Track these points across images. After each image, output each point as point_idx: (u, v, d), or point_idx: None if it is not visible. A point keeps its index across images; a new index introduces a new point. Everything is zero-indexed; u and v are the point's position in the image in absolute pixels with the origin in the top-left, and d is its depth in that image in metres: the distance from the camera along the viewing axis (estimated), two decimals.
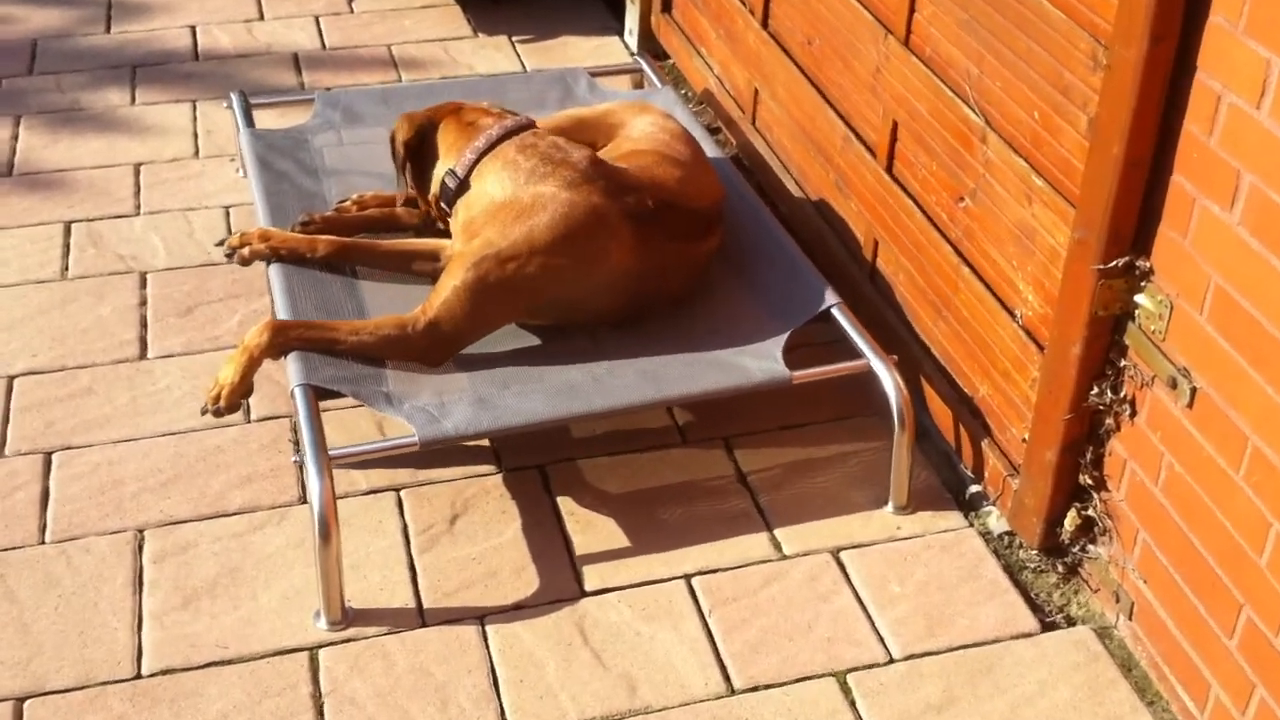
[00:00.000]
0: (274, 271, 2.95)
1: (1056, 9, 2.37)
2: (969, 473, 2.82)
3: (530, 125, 2.93)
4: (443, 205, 2.94)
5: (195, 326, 3.25)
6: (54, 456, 2.87)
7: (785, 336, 2.82)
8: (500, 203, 2.78)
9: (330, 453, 2.50)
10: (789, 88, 3.48)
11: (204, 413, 2.70)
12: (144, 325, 3.25)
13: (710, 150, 3.39)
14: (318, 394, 2.63)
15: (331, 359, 2.69)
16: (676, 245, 2.87)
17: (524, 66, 4.47)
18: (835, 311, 2.89)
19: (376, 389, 2.67)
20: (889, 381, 2.72)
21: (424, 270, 2.99)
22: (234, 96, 3.65)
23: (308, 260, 2.97)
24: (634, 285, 2.82)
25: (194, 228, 3.61)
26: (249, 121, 3.55)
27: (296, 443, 2.87)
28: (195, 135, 4.03)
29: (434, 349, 2.73)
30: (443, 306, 2.72)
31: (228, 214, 3.67)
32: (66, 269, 3.44)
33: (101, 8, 4.76)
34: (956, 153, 2.71)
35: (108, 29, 4.62)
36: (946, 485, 2.86)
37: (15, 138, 4.00)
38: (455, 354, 2.76)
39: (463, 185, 2.87)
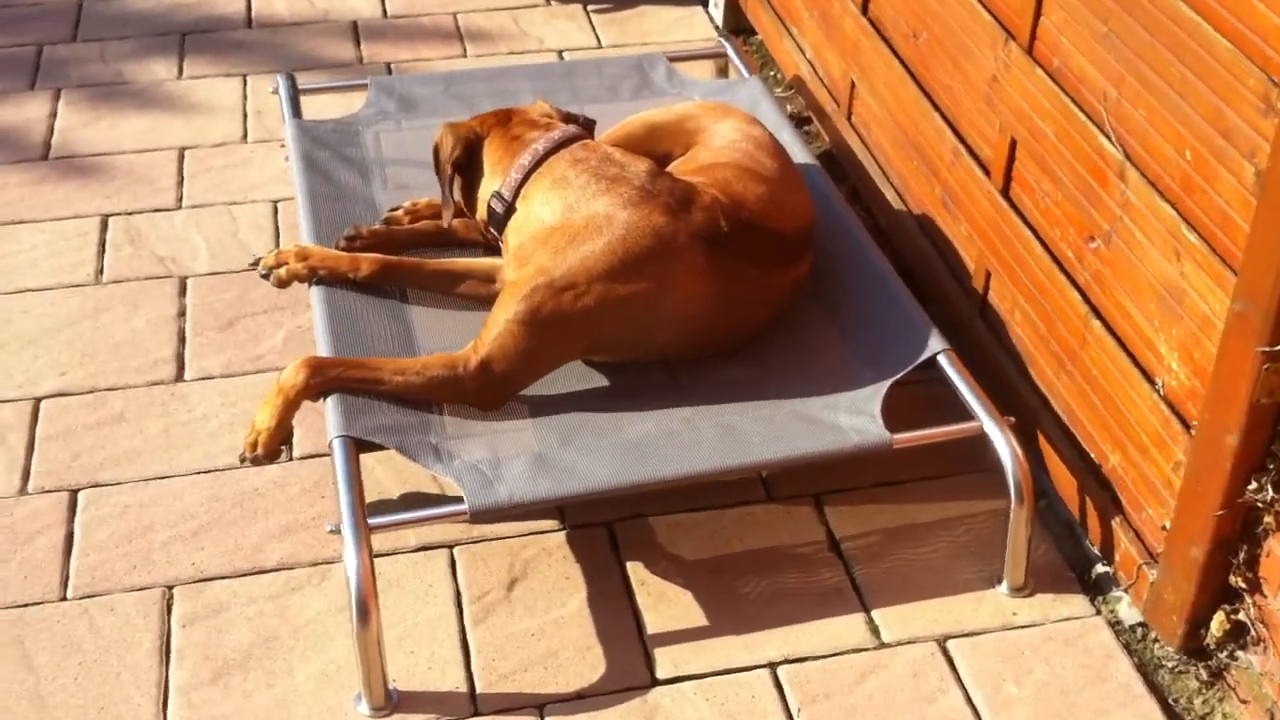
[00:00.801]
0: (315, 295, 2.68)
1: (1221, 36, 2.01)
2: (1095, 550, 2.50)
3: (582, 135, 2.64)
4: (491, 230, 2.66)
5: (236, 343, 2.99)
6: (80, 496, 2.63)
7: (884, 389, 2.50)
8: (551, 226, 2.49)
9: (371, 522, 2.23)
10: (890, 85, 3.13)
11: (242, 461, 2.45)
12: (181, 340, 3.00)
13: (798, 150, 3.06)
14: (359, 446, 2.36)
15: (375, 402, 2.42)
16: (757, 272, 2.55)
17: (598, 39, 4.14)
18: (942, 360, 2.56)
19: (424, 440, 2.40)
20: (1005, 449, 2.40)
21: (477, 293, 2.71)
22: (281, 81, 3.35)
23: (350, 280, 2.69)
24: (707, 317, 2.52)
25: (239, 225, 3.34)
26: (295, 110, 3.26)
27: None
28: (244, 115, 3.75)
29: (487, 391, 2.45)
30: (495, 343, 2.43)
31: (275, 210, 3.39)
32: (101, 271, 3.18)
33: None
34: (1088, 186, 2.37)
35: None
36: (1069, 561, 2.54)
37: (54, 115, 3.73)
38: (512, 396, 2.48)
39: (510, 208, 2.59)
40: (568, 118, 2.73)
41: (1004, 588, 2.48)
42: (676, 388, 2.56)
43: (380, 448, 2.38)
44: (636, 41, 4.14)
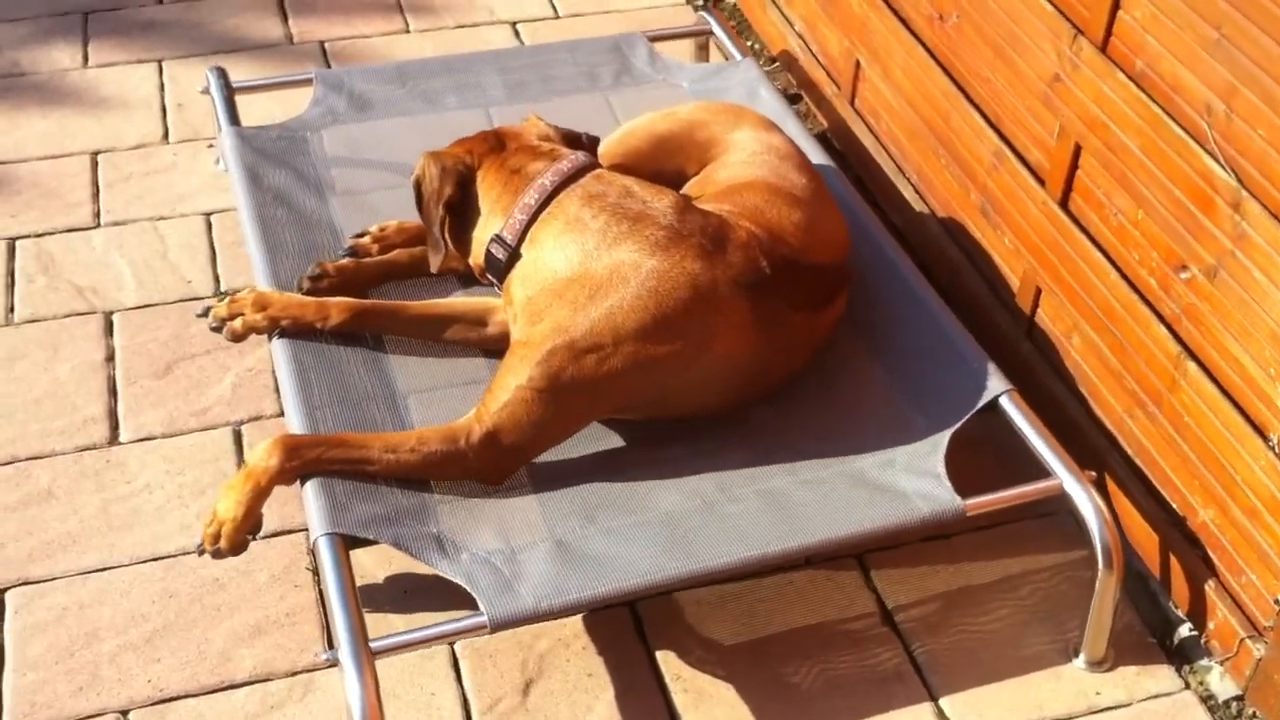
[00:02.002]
0: (278, 349, 2.29)
1: None
2: (1178, 612, 2.23)
3: (593, 164, 2.24)
4: (489, 277, 2.28)
5: (177, 393, 2.59)
6: (8, 597, 2.23)
7: (945, 441, 2.19)
8: (567, 278, 2.12)
9: (374, 645, 1.88)
10: (910, 72, 2.78)
11: (200, 553, 2.07)
12: (113, 392, 2.59)
13: (807, 146, 2.71)
14: (347, 543, 2.00)
15: (360, 485, 2.06)
16: (800, 316, 2.22)
17: (554, 8, 3.73)
18: (1006, 403, 2.25)
19: (423, 530, 2.04)
20: (1091, 511, 2.10)
21: (465, 338, 2.34)
22: (211, 79, 2.91)
23: (319, 331, 2.30)
24: (748, 372, 2.18)
25: (168, 245, 2.92)
26: (232, 115, 2.83)
27: (327, 630, 2.24)
28: (163, 110, 3.31)
29: (493, 466, 2.10)
30: (504, 413, 2.07)
31: (209, 225, 2.97)
32: (12, 309, 2.75)
33: None
34: (1185, 211, 2.05)
35: None
36: (1146, 623, 2.26)
37: None
38: (520, 468, 2.13)
39: (514, 254, 2.20)
40: (569, 138, 2.35)
41: (1081, 661, 2.20)
42: (702, 446, 2.22)
43: (372, 542, 2.03)
44: (596, 10, 3.74)
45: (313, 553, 2.18)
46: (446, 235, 2.28)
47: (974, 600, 2.29)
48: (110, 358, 2.65)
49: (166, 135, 3.22)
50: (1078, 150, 2.29)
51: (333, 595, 1.92)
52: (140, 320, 2.73)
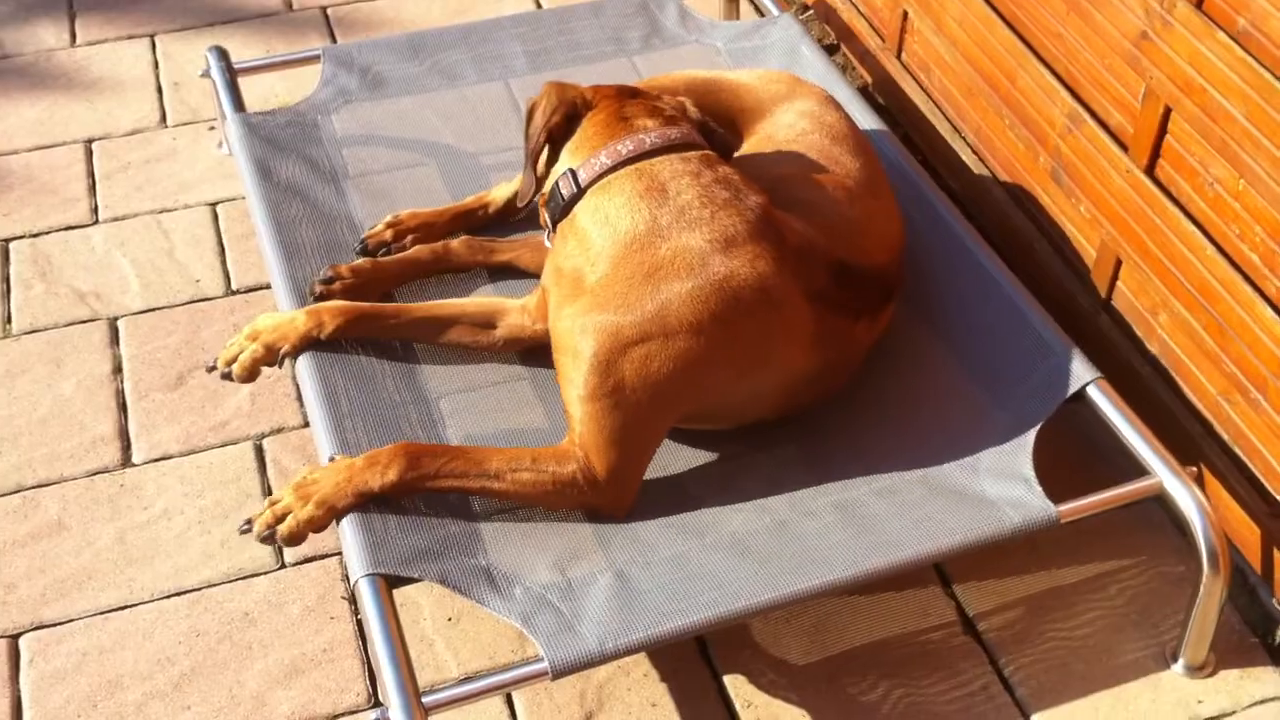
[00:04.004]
0: (300, 373, 2.10)
1: None
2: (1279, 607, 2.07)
3: (700, 145, 2.00)
4: (546, 217, 2.07)
5: (192, 405, 2.41)
6: (22, 643, 2.07)
7: (1031, 440, 2.01)
8: (626, 244, 1.90)
9: (426, 700, 1.71)
10: (967, 25, 2.57)
11: (244, 530, 1.87)
12: (122, 407, 2.41)
13: (858, 111, 2.51)
14: (390, 584, 1.83)
15: (403, 515, 1.88)
16: (860, 324, 2.03)
17: None
18: (1094, 393, 2.07)
19: (471, 563, 1.86)
20: (1194, 510, 1.92)
21: (472, 342, 2.15)
22: (211, 60, 2.70)
23: (321, 343, 2.12)
24: (803, 383, 2.00)
25: (173, 242, 2.72)
26: (236, 100, 2.62)
27: (369, 670, 2.07)
28: (159, 90, 3.10)
29: (610, 493, 1.91)
30: (585, 432, 1.88)
31: (215, 217, 2.78)
32: (9, 319, 2.56)
33: None
34: None
35: None
36: (1245, 619, 2.10)
37: None
38: (634, 490, 1.94)
39: (579, 195, 1.98)
40: (704, 127, 2.08)
41: (1180, 666, 2.03)
42: (764, 457, 2.04)
43: (413, 580, 1.86)
44: None
45: (351, 588, 2.03)
46: (537, 167, 2.05)
47: (1060, 605, 2.12)
48: (118, 369, 2.47)
49: (164, 118, 3.02)
50: (1167, 114, 2.08)
51: (379, 644, 1.75)
52: (148, 326, 2.55)
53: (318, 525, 1.87)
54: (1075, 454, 2.17)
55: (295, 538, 1.85)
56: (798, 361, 1.96)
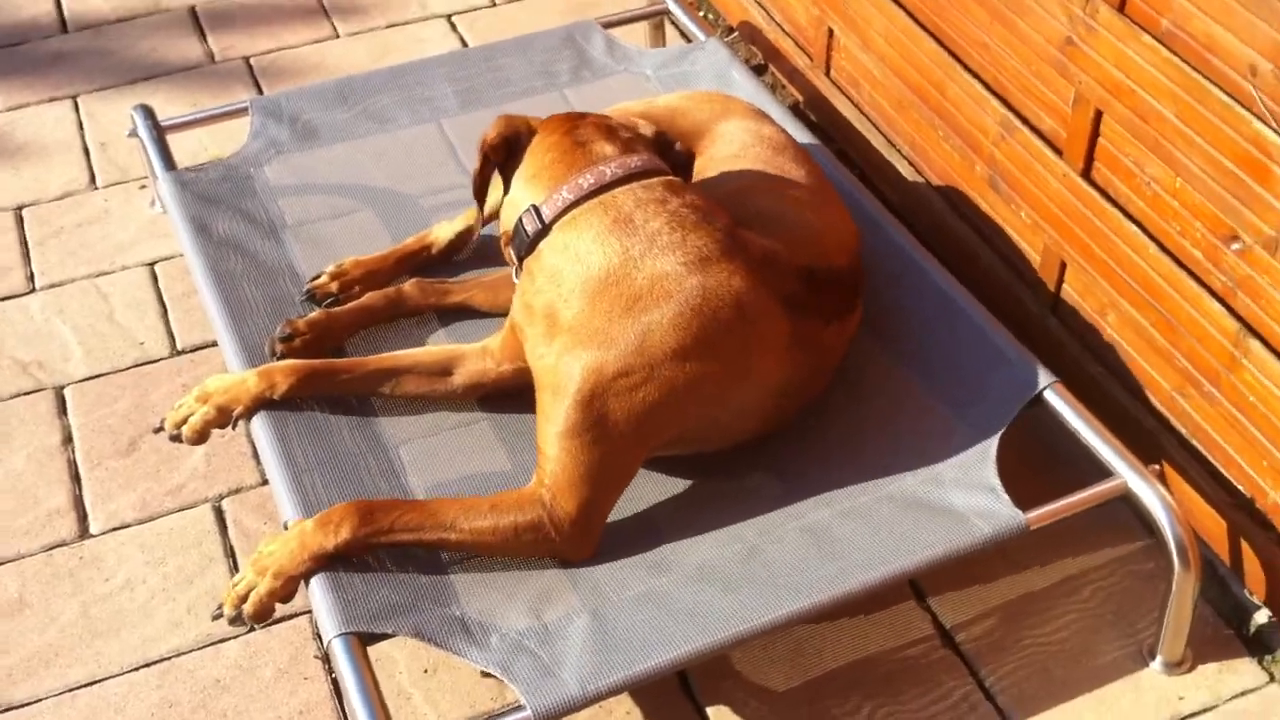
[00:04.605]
0: (256, 433, 2.08)
1: None
2: (1251, 598, 2.09)
3: (661, 170, 1.98)
4: (510, 254, 2.04)
5: (146, 471, 2.37)
6: None
7: (994, 447, 2.03)
8: (601, 280, 1.88)
9: None
10: (892, 39, 2.60)
11: (215, 618, 1.86)
12: (76, 479, 2.37)
13: (779, 114, 2.53)
14: (364, 642, 1.81)
15: (370, 569, 1.86)
16: (832, 331, 2.05)
17: None
18: (1051, 396, 2.09)
19: (445, 613, 1.85)
20: (1161, 509, 1.95)
21: (429, 392, 2.14)
22: (136, 118, 2.66)
23: (275, 403, 2.09)
24: (783, 397, 2.01)
25: (113, 305, 2.68)
26: (166, 158, 2.58)
27: (336, 689, 2.05)
28: (86, 151, 3.05)
29: (576, 538, 1.90)
30: (558, 471, 1.87)
31: (154, 276, 2.74)
32: None
33: None
34: (1235, 180, 1.89)
35: None
36: (1219, 611, 2.13)
37: None
38: (599, 531, 1.93)
39: (544, 232, 1.96)
40: (661, 143, 2.06)
41: (1158, 664, 2.06)
42: (728, 484, 2.04)
43: (388, 635, 1.84)
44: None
45: (324, 648, 2.00)
46: (485, 197, 2.04)
47: (1035, 610, 2.14)
48: (68, 439, 2.43)
49: (93, 179, 2.97)
50: (1098, 118, 2.12)
51: (356, 704, 1.73)
52: (95, 393, 2.51)
53: (281, 596, 1.85)
54: (1036, 459, 2.20)
55: (262, 614, 1.83)
56: (777, 371, 1.96)
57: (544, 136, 1.99)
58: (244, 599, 1.83)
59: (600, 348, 1.85)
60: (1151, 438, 2.18)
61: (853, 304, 2.10)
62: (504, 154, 2.01)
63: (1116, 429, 2.09)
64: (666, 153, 2.04)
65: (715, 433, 2.00)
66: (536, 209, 1.95)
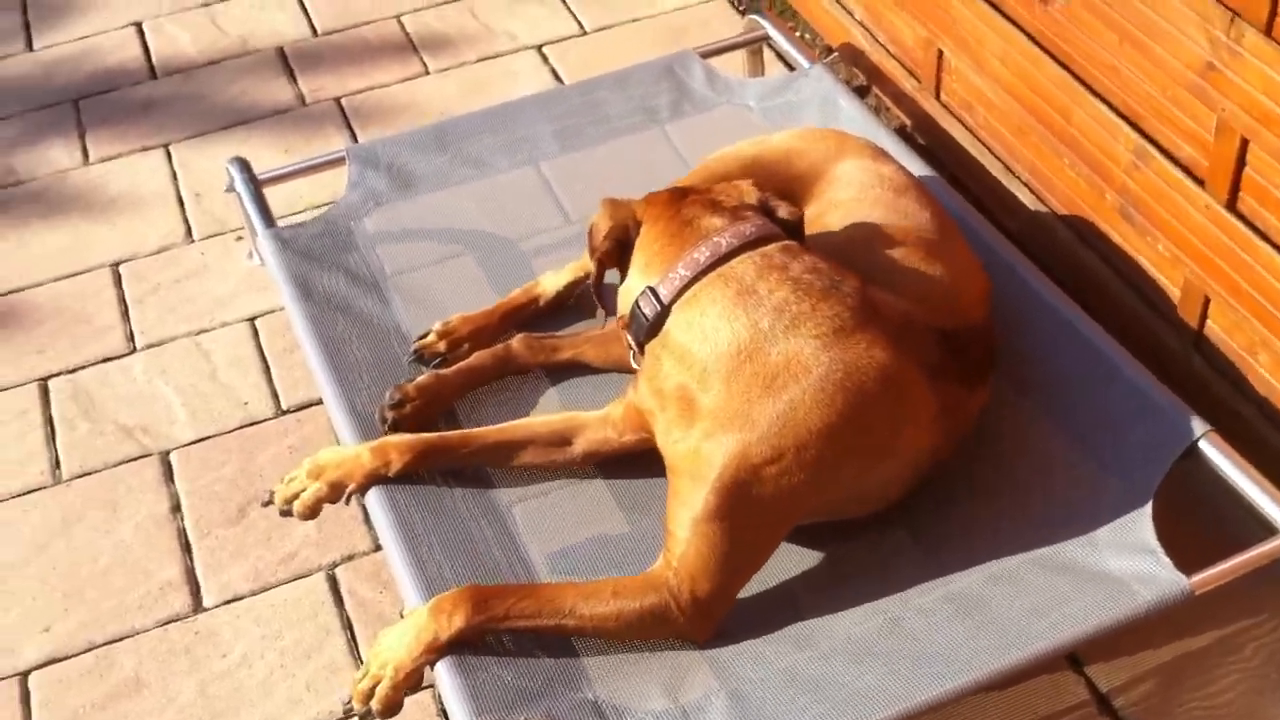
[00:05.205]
0: (372, 506, 2.02)
1: None
2: None
3: (775, 235, 1.88)
4: (629, 339, 1.95)
5: (257, 539, 2.32)
6: None
7: (1148, 508, 1.91)
8: (732, 357, 1.78)
9: None
10: (1009, 61, 2.48)
11: (347, 713, 1.81)
12: (186, 548, 2.32)
13: (882, 134, 2.43)
14: None
15: (492, 657, 1.79)
16: (969, 391, 1.94)
17: (580, 24, 3.42)
18: (1206, 447, 1.97)
19: (577, 698, 1.77)
20: None
21: (548, 462, 2.06)
22: (233, 171, 2.60)
23: (389, 479, 2.03)
24: (927, 464, 1.91)
25: (215, 364, 2.64)
26: (263, 212, 2.53)
27: None
28: (180, 202, 3.02)
29: (697, 620, 1.81)
30: (693, 557, 1.78)
31: (255, 332, 2.70)
32: (58, 464, 2.48)
33: (14, 12, 3.64)
34: None
35: (29, 44, 3.53)
36: None
37: None
38: (723, 616, 1.84)
39: (664, 313, 1.86)
40: (767, 207, 1.96)
41: None
42: (863, 551, 1.94)
43: None
44: (626, 19, 3.43)
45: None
46: (601, 294, 1.97)
47: (1195, 670, 2.02)
48: (176, 507, 2.39)
49: (190, 232, 2.94)
50: (1244, 146, 2.00)
51: None
52: (201, 457, 2.47)
53: (405, 689, 1.78)
54: (1188, 512, 2.07)
55: (390, 709, 1.77)
56: (923, 442, 1.87)
57: (651, 224, 1.91)
58: (370, 694, 1.77)
59: (743, 430, 1.76)
60: None
61: (991, 363, 2.00)
62: (617, 257, 1.94)
63: (1274, 476, 1.97)
64: (773, 214, 1.94)
65: (855, 505, 1.91)
66: (653, 290, 1.86)
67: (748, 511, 1.77)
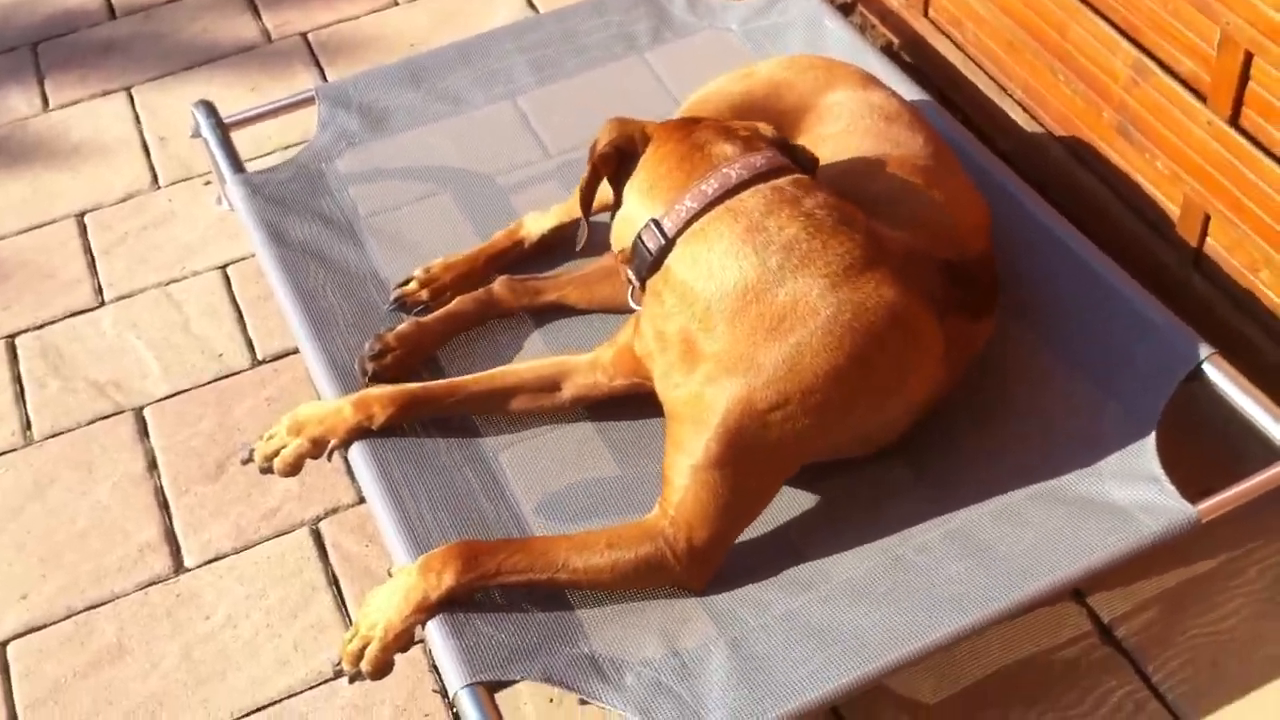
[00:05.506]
0: (355, 460, 1.95)
1: None
2: None
3: (788, 168, 1.79)
4: (630, 274, 1.85)
5: (237, 495, 2.26)
6: None
7: (1152, 436, 1.86)
8: (738, 297, 1.71)
9: None
10: None
11: (337, 674, 1.76)
12: (164, 508, 2.26)
13: (870, 57, 2.35)
14: (491, 691, 1.69)
15: (484, 614, 1.73)
16: (981, 326, 1.89)
17: None
18: (1210, 370, 1.92)
19: (574, 652, 1.72)
20: None
21: (536, 408, 2.00)
22: (199, 116, 2.50)
23: (373, 432, 1.96)
24: (933, 399, 1.85)
25: (187, 314, 2.56)
26: (231, 158, 2.43)
27: None
28: (145, 147, 2.92)
29: (694, 568, 1.76)
30: (691, 504, 1.73)
31: (227, 280, 2.61)
32: (28, 424, 2.40)
33: None
34: None
35: None
36: None
37: None
38: (720, 562, 1.79)
39: (668, 248, 1.77)
40: (783, 144, 1.87)
41: None
42: (862, 488, 1.89)
43: (515, 682, 1.71)
44: None
45: (440, 682, 1.89)
46: (590, 210, 1.88)
47: (1198, 597, 1.98)
48: (152, 465, 2.32)
49: (155, 178, 2.84)
50: (1248, 60, 1.92)
51: None
52: (176, 412, 2.39)
53: (395, 649, 1.73)
54: (1192, 437, 2.02)
55: (380, 670, 1.72)
56: (931, 380, 1.81)
57: (658, 145, 1.81)
58: (360, 655, 1.71)
59: (747, 374, 1.69)
60: None
61: (995, 293, 1.93)
62: (615, 165, 1.83)
63: (1277, 396, 1.91)
64: (793, 152, 1.85)
65: (859, 445, 1.85)
66: (657, 223, 1.77)
67: (751, 458, 1.71)
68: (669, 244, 1.76)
